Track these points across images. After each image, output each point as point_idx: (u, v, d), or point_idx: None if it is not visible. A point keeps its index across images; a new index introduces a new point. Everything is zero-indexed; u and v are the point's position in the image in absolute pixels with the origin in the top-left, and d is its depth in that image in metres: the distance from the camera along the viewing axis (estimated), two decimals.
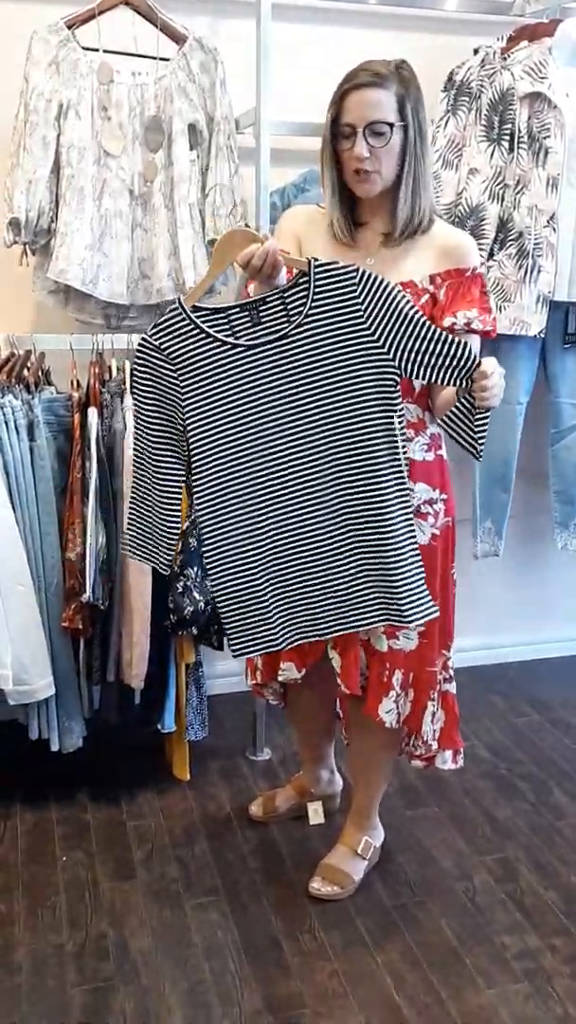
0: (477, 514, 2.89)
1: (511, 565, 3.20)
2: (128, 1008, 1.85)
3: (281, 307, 1.77)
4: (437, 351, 1.76)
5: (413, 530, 1.85)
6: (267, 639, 1.90)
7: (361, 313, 1.76)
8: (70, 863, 2.26)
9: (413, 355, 1.77)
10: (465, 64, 2.65)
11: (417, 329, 1.76)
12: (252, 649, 1.92)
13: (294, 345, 1.78)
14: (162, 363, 1.80)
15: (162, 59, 2.35)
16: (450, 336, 1.77)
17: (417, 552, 1.85)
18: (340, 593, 1.87)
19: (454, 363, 1.77)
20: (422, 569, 1.86)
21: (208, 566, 1.89)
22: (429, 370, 1.78)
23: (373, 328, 1.76)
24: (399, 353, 1.77)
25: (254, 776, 2.63)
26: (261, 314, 1.77)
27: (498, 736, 2.88)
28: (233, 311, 1.78)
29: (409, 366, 1.78)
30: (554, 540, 2.94)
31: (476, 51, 2.67)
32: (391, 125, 1.80)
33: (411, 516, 1.86)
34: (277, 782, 2.57)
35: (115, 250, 2.34)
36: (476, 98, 2.61)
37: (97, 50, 2.30)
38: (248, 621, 1.90)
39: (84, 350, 2.36)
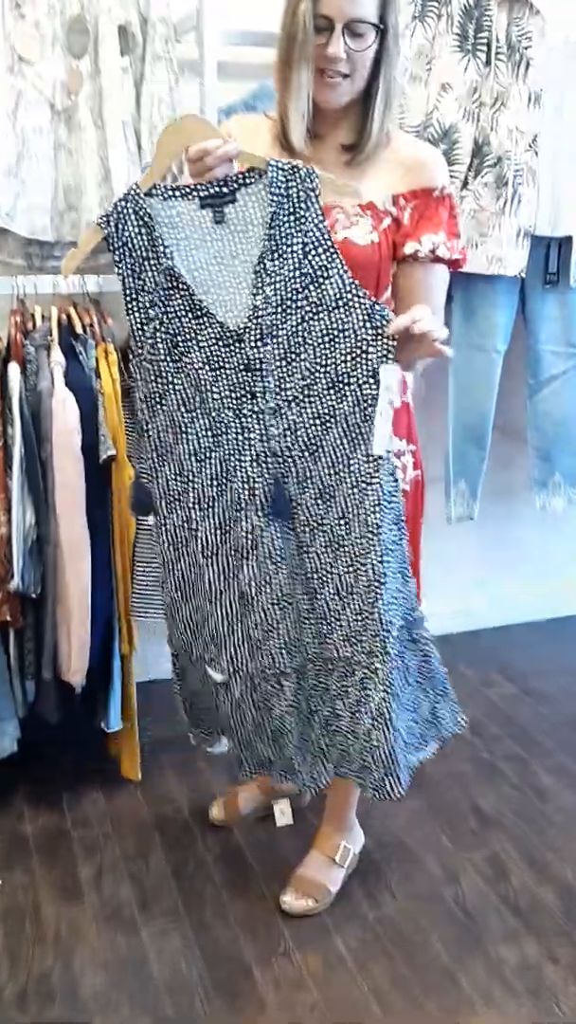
0: (450, 475, 2.66)
1: (483, 524, 2.98)
2: None
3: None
4: None
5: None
6: None
7: None
8: (7, 886, 2.01)
9: None
10: None
11: None
12: None
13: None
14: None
15: None
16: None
17: None
18: None
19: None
20: None
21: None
22: None
23: None
24: None
25: (212, 771, 2.39)
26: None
27: (472, 712, 2.67)
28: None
29: None
30: (530, 497, 2.74)
31: None
32: (375, 27, 1.58)
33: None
34: (238, 776, 2.34)
35: (35, 174, 2.05)
36: (447, 3, 2.33)
37: None
38: None
39: (3, 296, 2.07)
